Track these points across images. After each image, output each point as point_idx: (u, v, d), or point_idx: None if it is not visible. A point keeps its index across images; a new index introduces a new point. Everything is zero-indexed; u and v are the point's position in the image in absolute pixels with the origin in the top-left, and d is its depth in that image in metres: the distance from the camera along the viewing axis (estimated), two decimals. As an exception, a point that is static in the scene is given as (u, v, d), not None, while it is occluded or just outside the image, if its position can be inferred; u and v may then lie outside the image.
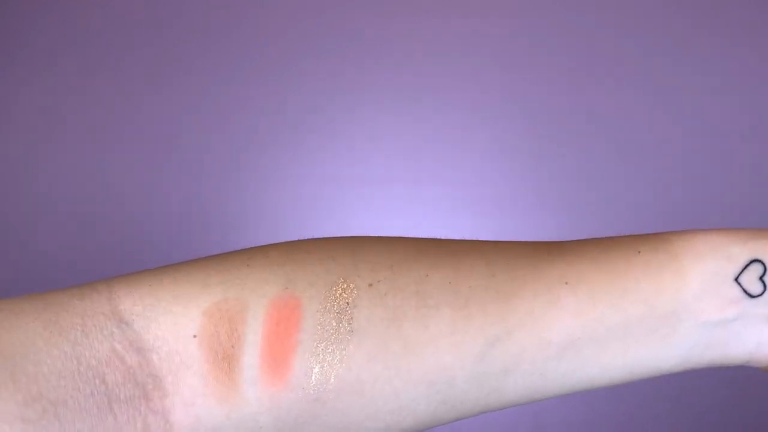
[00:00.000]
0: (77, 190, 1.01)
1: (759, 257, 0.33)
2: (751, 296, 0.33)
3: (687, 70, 1.00)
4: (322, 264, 0.32)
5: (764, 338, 0.34)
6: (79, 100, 1.00)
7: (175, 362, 0.30)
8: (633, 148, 1.01)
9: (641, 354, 0.33)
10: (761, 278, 0.33)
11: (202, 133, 1.02)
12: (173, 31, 1.00)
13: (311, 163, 1.01)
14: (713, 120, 1.00)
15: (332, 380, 0.31)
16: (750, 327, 0.34)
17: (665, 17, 1.00)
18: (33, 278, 0.98)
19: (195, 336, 0.31)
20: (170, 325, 0.30)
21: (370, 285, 0.32)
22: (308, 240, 0.34)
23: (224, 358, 0.31)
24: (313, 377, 0.31)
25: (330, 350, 0.31)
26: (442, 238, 0.36)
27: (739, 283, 0.33)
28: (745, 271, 0.33)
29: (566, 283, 0.33)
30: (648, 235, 0.35)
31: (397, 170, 1.01)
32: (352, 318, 0.32)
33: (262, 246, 0.34)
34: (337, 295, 0.32)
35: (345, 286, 0.32)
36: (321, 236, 0.35)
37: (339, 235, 0.35)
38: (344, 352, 0.31)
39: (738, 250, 0.33)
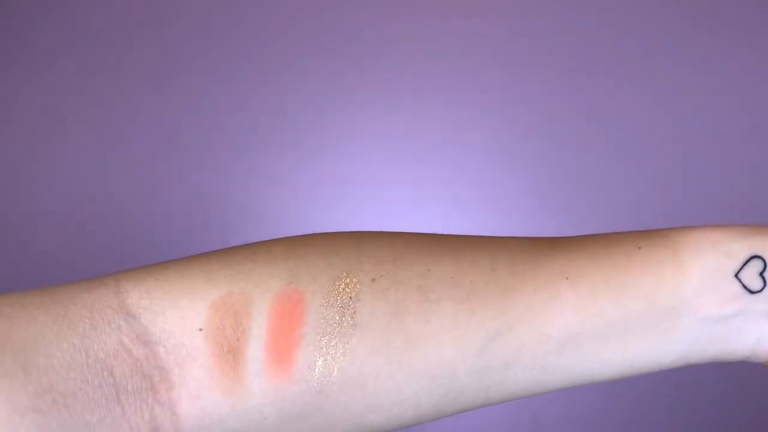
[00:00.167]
0: (77, 190, 1.01)
1: (759, 253, 0.34)
2: (752, 292, 0.34)
3: (687, 70, 1.00)
4: (325, 258, 0.33)
5: (764, 334, 0.34)
6: (79, 100, 1.00)
7: (181, 355, 0.31)
8: (633, 148, 1.01)
9: (641, 349, 0.34)
10: (761, 274, 0.34)
11: (202, 133, 1.02)
12: (173, 31, 1.00)
13: (311, 163, 1.01)
14: (713, 120, 1.01)
15: (335, 373, 0.32)
16: (750, 323, 0.34)
17: (665, 17, 1.00)
18: (33, 278, 0.99)
19: (201, 329, 0.31)
20: (176, 318, 0.31)
21: (373, 279, 0.32)
22: (312, 234, 0.35)
23: (229, 351, 0.31)
24: (316, 370, 0.31)
25: (333, 344, 0.32)
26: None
27: (740, 279, 0.34)
28: (746, 267, 0.34)
29: (566, 278, 0.33)
30: (648, 231, 0.35)
31: (396, 170, 1.01)
32: (355, 312, 0.32)
33: (266, 241, 0.34)
34: (341, 290, 0.32)
35: (348, 280, 0.32)
36: (322, 235, 0.35)
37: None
38: (347, 345, 0.32)
39: (738, 246, 0.34)
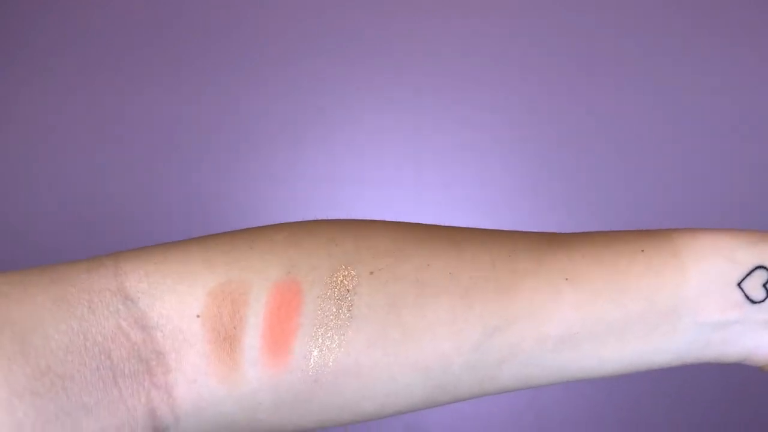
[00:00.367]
0: (77, 190, 1.01)
1: (765, 264, 0.34)
2: (753, 302, 0.34)
3: (687, 70, 1.00)
4: (325, 249, 0.33)
5: (761, 342, 0.34)
6: (79, 100, 1.00)
7: (178, 340, 0.31)
8: (634, 148, 1.01)
9: (639, 349, 0.34)
10: (765, 285, 0.34)
11: (202, 133, 1.02)
12: (173, 31, 1.01)
13: (311, 163, 1.01)
14: (713, 120, 1.01)
15: (330, 364, 0.32)
16: (749, 331, 0.34)
17: (665, 17, 1.00)
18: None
19: (198, 316, 0.31)
20: (174, 303, 0.31)
21: (372, 272, 0.33)
22: (313, 222, 0.35)
23: (226, 338, 0.31)
24: (312, 360, 0.32)
25: (329, 335, 0.32)
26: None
27: (742, 289, 0.34)
28: (750, 276, 0.34)
29: (567, 278, 0.33)
30: (652, 232, 0.35)
31: (397, 170, 1.01)
32: (352, 305, 0.32)
33: (267, 227, 0.34)
34: (338, 282, 0.32)
35: (346, 272, 0.32)
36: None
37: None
38: (343, 337, 0.32)
39: (744, 255, 0.34)
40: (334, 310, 0.32)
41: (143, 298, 0.31)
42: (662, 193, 1.01)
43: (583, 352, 0.33)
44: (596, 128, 1.01)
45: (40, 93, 1.00)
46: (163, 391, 0.31)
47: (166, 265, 0.32)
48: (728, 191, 1.01)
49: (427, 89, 1.01)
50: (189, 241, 0.33)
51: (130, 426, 0.30)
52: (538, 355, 0.33)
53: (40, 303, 0.30)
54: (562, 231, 0.36)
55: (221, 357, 0.31)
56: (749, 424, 1.02)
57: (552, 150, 1.01)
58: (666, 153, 1.01)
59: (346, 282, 0.32)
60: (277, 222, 0.35)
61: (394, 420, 1.02)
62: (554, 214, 1.00)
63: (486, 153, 1.01)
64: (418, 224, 0.35)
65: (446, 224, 0.36)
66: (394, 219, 0.36)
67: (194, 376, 0.31)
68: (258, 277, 0.32)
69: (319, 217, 0.36)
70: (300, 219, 0.35)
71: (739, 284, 0.34)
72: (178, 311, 0.31)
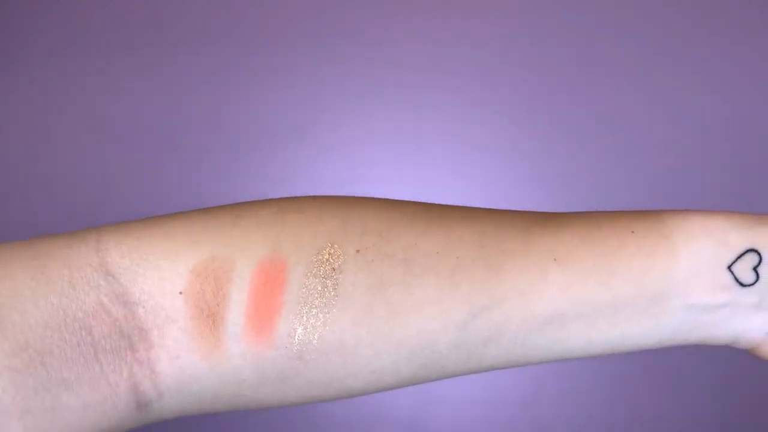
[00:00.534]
0: (77, 190, 1.01)
1: (755, 247, 0.33)
2: (743, 285, 0.33)
3: (687, 69, 1.00)
4: (311, 227, 0.33)
5: (750, 325, 0.34)
6: (79, 100, 1.00)
7: (160, 317, 0.31)
8: (634, 148, 1.01)
9: (627, 331, 0.34)
10: (755, 268, 0.33)
11: (202, 133, 1.02)
12: (173, 31, 1.01)
13: (311, 163, 1.01)
14: (713, 119, 1.00)
15: (315, 341, 0.32)
16: (737, 314, 0.34)
17: (665, 17, 1.00)
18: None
19: (181, 293, 0.31)
20: (156, 280, 0.31)
21: (358, 251, 0.32)
22: (300, 199, 0.34)
23: (209, 315, 0.31)
24: (296, 338, 0.31)
25: (314, 313, 0.32)
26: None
27: (732, 272, 0.33)
28: (740, 259, 0.33)
29: (555, 259, 0.33)
30: (643, 213, 0.35)
31: (397, 170, 1.01)
32: (337, 283, 0.32)
33: (253, 203, 0.34)
34: (324, 260, 0.32)
35: (332, 251, 0.32)
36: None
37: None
38: (328, 315, 0.32)
39: (735, 238, 0.34)
40: (320, 288, 0.32)
41: (125, 273, 0.31)
42: (662, 193, 1.01)
43: (569, 332, 0.33)
44: (600, 128, 1.01)
45: (39, 93, 1.00)
46: (146, 366, 0.31)
47: (149, 241, 0.31)
48: (728, 191, 1.00)
49: (428, 89, 1.01)
50: (173, 216, 0.33)
51: (112, 401, 0.30)
52: (524, 335, 0.33)
53: (18, 279, 0.30)
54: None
55: (204, 333, 0.31)
56: (749, 425, 1.02)
57: (553, 150, 1.01)
58: (665, 153, 1.01)
59: (331, 260, 0.32)
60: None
61: (394, 420, 1.02)
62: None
63: (486, 153, 1.01)
64: (408, 202, 0.35)
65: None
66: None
67: (177, 352, 0.31)
68: (242, 255, 0.32)
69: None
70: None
71: (729, 267, 0.33)
72: (160, 287, 0.31)
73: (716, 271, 0.33)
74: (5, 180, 1.01)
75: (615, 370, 1.02)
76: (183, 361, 0.31)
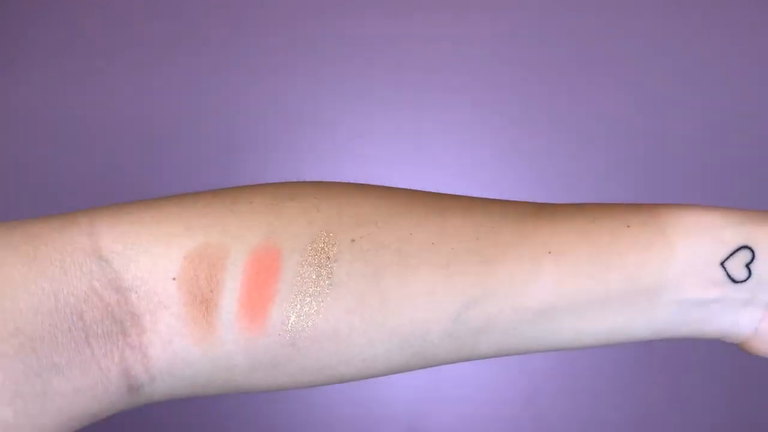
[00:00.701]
0: (76, 190, 1.01)
1: (749, 244, 0.33)
2: (734, 281, 0.34)
3: (688, 69, 1.00)
4: (306, 215, 0.32)
5: (739, 321, 0.34)
6: (79, 100, 1.00)
7: (153, 302, 0.31)
8: (635, 148, 1.01)
9: (618, 323, 0.34)
10: (747, 265, 0.33)
11: (203, 133, 1.02)
12: (173, 30, 1.01)
13: (311, 163, 1.01)
14: (714, 119, 1.00)
15: (308, 329, 0.32)
16: (728, 310, 0.34)
17: (665, 17, 1.00)
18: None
19: (174, 278, 0.31)
20: (149, 265, 0.31)
21: (353, 240, 0.32)
22: (295, 184, 0.34)
23: (202, 301, 0.31)
24: (289, 325, 0.31)
25: (307, 301, 0.32)
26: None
27: (725, 268, 0.33)
28: (733, 256, 0.34)
29: (549, 252, 0.33)
30: (639, 206, 0.35)
31: (397, 171, 1.01)
32: (332, 272, 0.32)
33: (248, 188, 0.34)
34: (319, 249, 0.32)
35: (327, 239, 0.32)
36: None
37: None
38: (322, 303, 0.32)
39: (729, 234, 0.34)
40: (314, 276, 0.32)
41: (117, 258, 0.31)
42: (662, 193, 1.01)
43: (561, 324, 0.33)
44: (598, 129, 1.01)
45: (38, 93, 1.01)
46: (138, 351, 0.31)
47: (142, 226, 0.31)
48: (729, 191, 1.00)
49: (428, 89, 1.01)
50: (167, 200, 0.33)
51: (103, 385, 0.30)
52: (516, 326, 0.33)
53: (9, 263, 0.29)
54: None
55: (197, 319, 0.31)
56: (753, 427, 1.02)
57: (553, 150, 1.01)
58: (666, 153, 1.01)
59: (326, 249, 0.32)
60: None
61: (394, 420, 1.02)
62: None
63: (486, 153, 1.01)
64: (404, 190, 0.35)
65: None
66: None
67: (169, 337, 0.31)
68: (236, 242, 0.31)
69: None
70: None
71: (722, 263, 0.33)
72: (153, 273, 0.31)
73: (709, 267, 0.33)
74: (5, 180, 1.01)
75: (615, 369, 1.02)
76: (175, 346, 0.31)
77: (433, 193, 0.36)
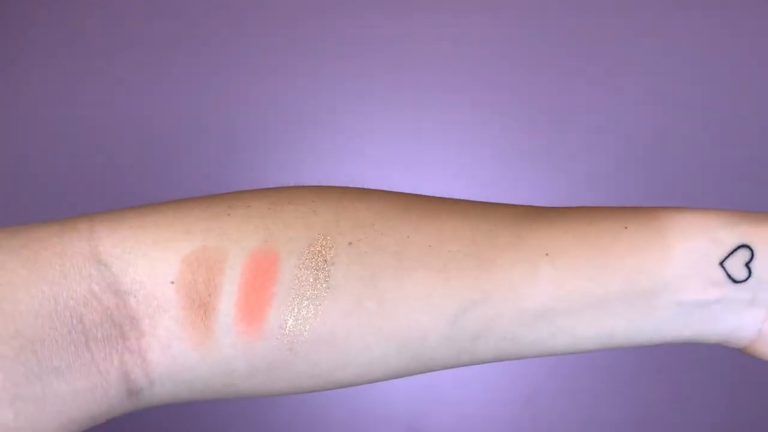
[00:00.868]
0: (76, 190, 1.02)
1: (747, 243, 0.33)
2: (735, 281, 0.33)
3: (688, 69, 1.00)
4: (304, 218, 0.33)
5: (743, 322, 0.34)
6: (79, 100, 1.01)
7: (152, 306, 0.31)
8: (636, 148, 1.01)
9: (616, 327, 0.34)
10: (747, 264, 0.33)
11: (203, 133, 1.02)
12: (173, 30, 1.01)
13: (311, 163, 1.01)
14: (715, 119, 1.00)
15: (306, 333, 0.32)
16: (730, 311, 0.34)
17: (665, 16, 1.00)
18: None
19: (172, 282, 0.31)
20: (148, 269, 0.31)
21: (350, 243, 0.32)
22: (293, 188, 0.34)
23: (201, 305, 0.31)
24: (287, 329, 0.31)
25: (305, 305, 0.32)
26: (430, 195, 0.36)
27: (724, 268, 0.33)
28: (732, 255, 0.33)
29: (547, 254, 0.33)
30: (637, 209, 0.35)
31: (397, 171, 1.01)
32: (329, 275, 0.32)
33: (246, 192, 0.34)
34: (316, 252, 0.32)
35: (325, 242, 0.32)
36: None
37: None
38: (319, 307, 0.32)
39: (727, 234, 0.33)
40: (311, 280, 0.32)
41: (116, 263, 0.31)
42: (662, 193, 1.01)
43: (559, 327, 0.33)
44: (599, 129, 1.01)
45: (38, 92, 1.01)
46: (137, 355, 0.31)
47: (142, 230, 0.31)
48: (728, 190, 1.00)
49: (427, 89, 1.01)
50: (166, 205, 0.33)
51: (103, 388, 0.30)
52: (513, 330, 0.33)
53: (9, 268, 0.30)
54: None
55: (195, 323, 0.31)
56: (754, 427, 1.02)
57: (553, 150, 1.01)
58: (666, 152, 1.01)
59: (324, 252, 0.32)
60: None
61: (394, 420, 1.02)
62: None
63: (487, 153, 1.01)
64: (402, 194, 0.35)
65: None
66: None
67: (168, 341, 0.31)
68: (234, 245, 0.32)
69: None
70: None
71: (721, 263, 0.33)
72: (152, 277, 0.31)
73: (708, 267, 0.33)
74: (5, 180, 1.01)
75: (615, 370, 1.02)
76: (174, 350, 0.31)
77: (431, 196, 0.36)
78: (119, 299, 0.31)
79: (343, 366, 0.32)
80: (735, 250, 0.33)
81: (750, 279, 0.33)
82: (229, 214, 0.32)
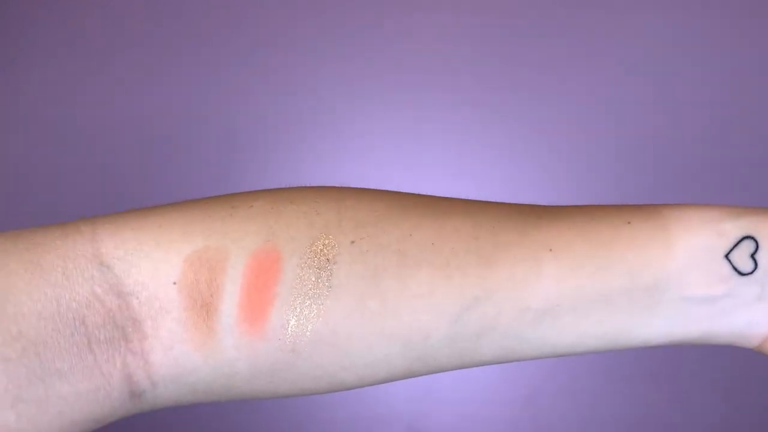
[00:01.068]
0: (76, 190, 1.01)
1: (751, 234, 0.33)
2: (741, 274, 0.33)
3: (688, 69, 1.00)
4: (305, 218, 0.32)
5: (755, 318, 0.33)
6: (79, 100, 1.00)
7: (154, 307, 0.31)
8: (637, 148, 1.01)
9: (622, 323, 0.33)
10: (752, 256, 0.33)
11: (203, 133, 1.02)
12: (173, 30, 1.01)
13: (312, 164, 1.01)
14: (715, 117, 1.00)
15: (308, 333, 0.31)
16: (740, 306, 0.33)
17: (665, 16, 1.00)
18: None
19: (175, 283, 0.31)
20: (150, 270, 0.31)
21: (353, 242, 0.32)
22: (295, 189, 0.34)
23: (203, 306, 0.31)
24: (289, 329, 0.31)
25: (307, 304, 0.31)
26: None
27: (729, 260, 0.33)
28: (736, 248, 0.33)
29: (550, 250, 0.33)
30: (641, 205, 0.35)
31: (396, 170, 1.01)
32: (331, 274, 0.32)
33: (248, 193, 0.34)
34: (318, 251, 0.32)
35: (327, 242, 0.32)
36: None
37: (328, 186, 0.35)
38: (322, 306, 0.31)
39: (730, 226, 0.33)
40: (314, 279, 0.32)
41: (119, 264, 0.31)
42: (663, 192, 1.01)
43: (563, 325, 0.33)
44: (599, 129, 1.01)
45: (37, 92, 1.01)
46: (140, 357, 0.31)
47: (144, 232, 0.31)
48: (729, 189, 1.00)
49: (427, 89, 1.01)
50: (169, 207, 0.33)
51: (105, 390, 0.30)
52: (517, 327, 0.33)
53: (12, 270, 0.30)
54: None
55: (198, 324, 0.31)
56: (752, 406, 1.02)
57: (554, 150, 1.01)
58: (667, 152, 1.01)
59: (326, 251, 0.32)
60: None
61: (394, 420, 1.02)
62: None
63: (487, 153, 1.01)
64: (403, 193, 0.35)
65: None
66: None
67: (171, 343, 0.31)
68: (236, 245, 0.31)
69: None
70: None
71: (726, 256, 0.33)
72: (154, 278, 0.31)
73: (713, 261, 0.33)
74: (5, 180, 1.01)
75: (615, 370, 1.02)
76: (176, 352, 0.31)
77: (432, 196, 0.35)
78: (122, 301, 0.31)
79: (347, 367, 0.32)
80: (739, 241, 0.33)
81: (757, 271, 0.33)
82: (231, 215, 0.32)
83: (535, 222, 0.34)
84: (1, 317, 0.29)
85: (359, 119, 1.01)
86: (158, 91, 1.01)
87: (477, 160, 1.02)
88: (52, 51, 1.00)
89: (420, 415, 1.02)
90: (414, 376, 0.34)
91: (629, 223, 0.33)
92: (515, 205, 0.35)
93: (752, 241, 0.33)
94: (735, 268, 0.33)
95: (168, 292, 0.31)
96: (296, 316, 0.31)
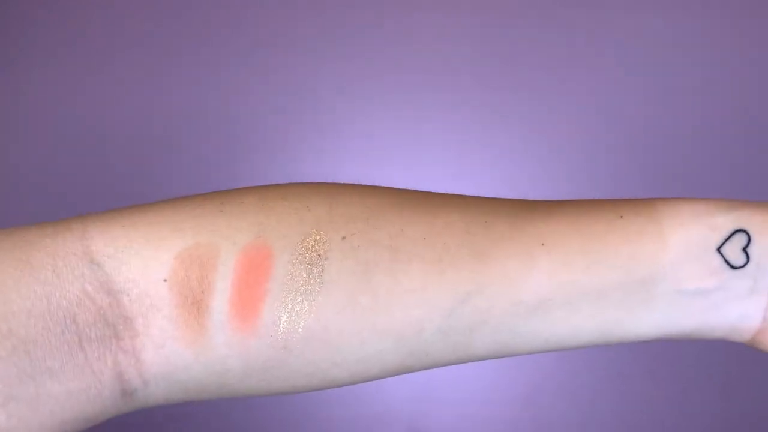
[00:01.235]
0: (76, 190, 1.02)
1: (744, 227, 0.33)
2: (733, 267, 0.33)
3: (688, 68, 1.00)
4: (296, 214, 0.32)
5: (747, 312, 0.33)
6: (79, 100, 1.00)
7: (145, 305, 0.31)
8: (637, 148, 1.01)
9: (614, 317, 0.33)
10: (745, 249, 0.33)
11: (202, 134, 1.02)
12: (173, 30, 1.01)
13: (312, 164, 1.01)
14: (715, 116, 1.00)
15: (300, 330, 0.31)
16: (732, 300, 0.33)
17: (665, 16, 1.00)
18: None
19: (165, 280, 0.31)
20: (141, 268, 0.31)
21: (344, 238, 0.32)
22: (286, 185, 0.34)
23: (194, 303, 0.31)
24: (281, 326, 0.31)
25: (299, 300, 0.31)
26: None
27: (722, 254, 0.33)
28: (728, 241, 0.33)
29: (543, 244, 0.33)
30: (634, 199, 0.35)
31: (396, 170, 1.01)
32: (323, 270, 0.32)
33: (239, 190, 0.34)
34: (309, 247, 0.32)
35: (318, 237, 0.32)
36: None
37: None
38: (313, 303, 0.31)
39: (722, 220, 0.33)
40: (305, 275, 0.31)
41: (109, 262, 0.31)
42: (662, 192, 1.01)
43: (556, 319, 0.33)
44: (600, 129, 1.01)
45: (38, 92, 1.01)
46: (131, 355, 0.30)
47: (134, 229, 0.31)
48: (728, 189, 1.00)
49: (427, 89, 1.01)
50: (159, 204, 0.33)
51: (97, 389, 0.30)
52: (510, 321, 0.32)
53: (2, 269, 0.30)
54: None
55: (189, 322, 0.31)
56: (748, 403, 1.01)
57: (554, 150, 1.01)
58: (667, 152, 1.01)
59: (317, 247, 0.32)
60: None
61: (394, 420, 1.02)
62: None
63: (487, 153, 1.01)
64: (395, 189, 0.35)
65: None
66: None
67: (162, 341, 0.31)
68: (227, 242, 0.31)
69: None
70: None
71: (718, 249, 0.33)
72: (145, 276, 0.31)
73: (705, 254, 0.33)
74: (5, 180, 1.01)
75: (616, 368, 1.01)
76: (168, 350, 0.31)
77: (424, 191, 0.35)
78: (112, 298, 0.30)
79: (338, 363, 0.32)
80: (732, 235, 0.33)
81: (749, 264, 0.33)
82: (221, 211, 0.32)
83: (528, 216, 0.34)
84: None
85: (359, 119, 1.01)
86: (158, 91, 1.01)
87: (477, 160, 1.01)
88: (52, 51, 1.00)
89: (420, 415, 1.02)
90: (407, 372, 0.34)
91: (622, 217, 0.33)
92: (508, 200, 0.35)
93: (744, 234, 0.33)
94: (727, 262, 0.33)
95: (159, 289, 0.31)
96: (287, 312, 0.31)
